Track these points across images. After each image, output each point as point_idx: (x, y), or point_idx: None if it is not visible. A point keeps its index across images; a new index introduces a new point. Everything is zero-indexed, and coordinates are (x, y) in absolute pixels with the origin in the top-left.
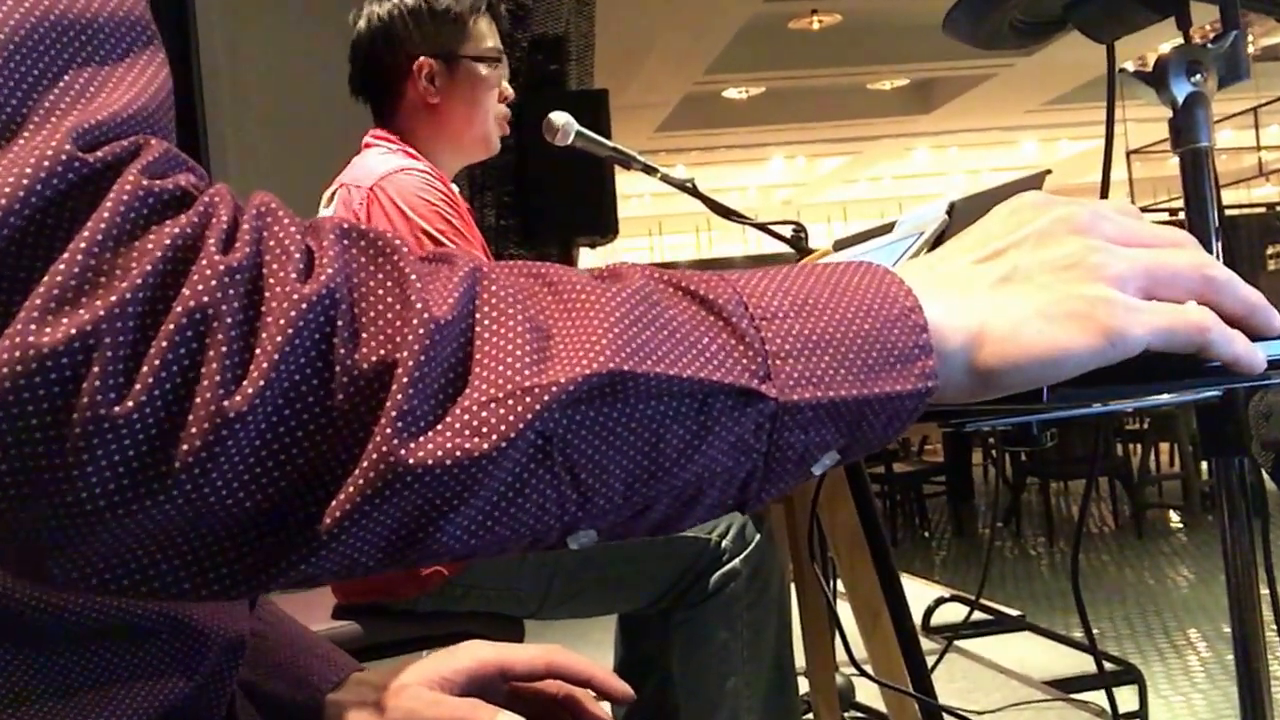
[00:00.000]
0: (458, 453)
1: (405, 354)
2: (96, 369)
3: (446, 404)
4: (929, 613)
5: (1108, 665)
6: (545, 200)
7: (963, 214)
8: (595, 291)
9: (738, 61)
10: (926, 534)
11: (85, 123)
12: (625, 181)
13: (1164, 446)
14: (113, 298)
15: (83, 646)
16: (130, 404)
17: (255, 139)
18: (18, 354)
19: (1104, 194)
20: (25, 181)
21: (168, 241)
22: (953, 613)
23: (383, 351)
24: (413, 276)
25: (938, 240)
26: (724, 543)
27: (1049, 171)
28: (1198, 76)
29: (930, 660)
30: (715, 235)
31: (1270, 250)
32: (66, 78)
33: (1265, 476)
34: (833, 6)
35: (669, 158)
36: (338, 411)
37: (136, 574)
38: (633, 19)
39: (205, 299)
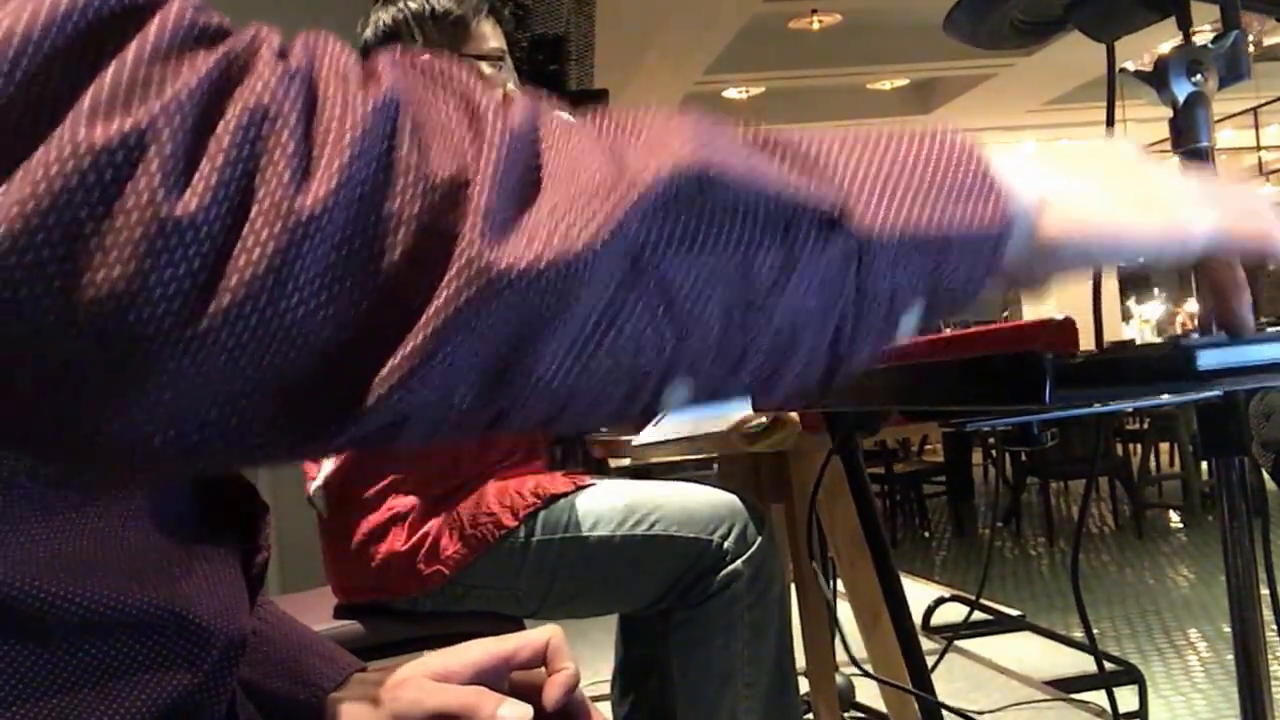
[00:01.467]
0: (552, 254)
1: (483, 160)
2: (155, 164)
3: (528, 209)
4: (929, 613)
5: (1108, 665)
6: None
7: None
8: (660, 117)
9: (738, 61)
10: (926, 534)
11: None
12: None
13: (1164, 446)
14: (167, 94)
15: (85, 641)
16: (193, 202)
17: None
18: (66, 150)
19: None
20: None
21: (221, 52)
22: (953, 613)
23: (457, 161)
24: (477, 92)
25: None
26: (726, 544)
27: None
28: (1198, 76)
29: (930, 660)
30: None
31: None
32: None
33: (1265, 476)
34: (833, 6)
35: None
36: (417, 220)
37: (208, 426)
38: (633, 19)
39: (265, 98)
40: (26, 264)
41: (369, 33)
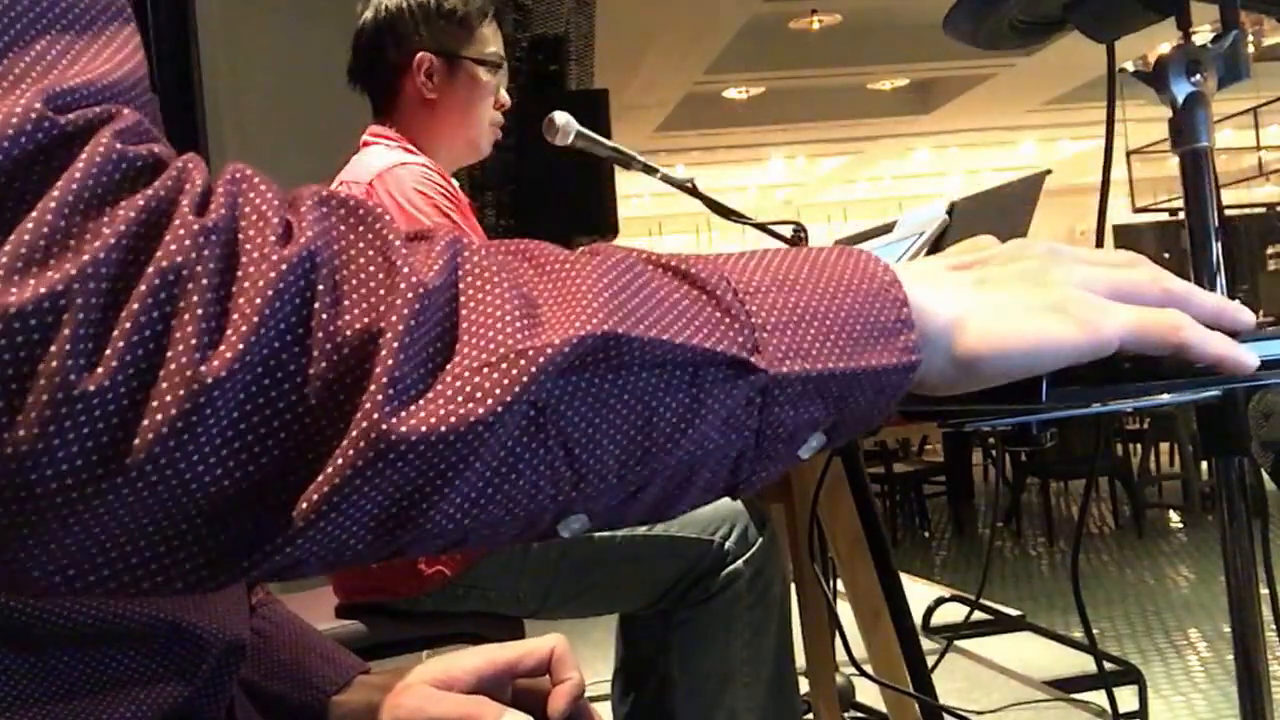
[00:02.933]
0: (452, 419)
1: (393, 319)
2: (67, 332)
3: (436, 371)
4: (929, 613)
5: (1108, 665)
6: (545, 200)
7: (963, 214)
8: (577, 263)
9: (738, 61)
10: (926, 534)
11: (57, 86)
12: (625, 181)
13: (1164, 446)
14: (84, 257)
15: (81, 650)
16: (101, 372)
17: (255, 138)
18: None
19: (1104, 193)
20: None
21: (141, 203)
22: (953, 613)
23: (367, 318)
24: (396, 243)
25: (938, 240)
26: (727, 544)
27: (1049, 171)
28: (1198, 76)
29: (930, 660)
30: (715, 235)
31: (1270, 250)
32: (40, 45)
33: (1265, 476)
34: (833, 6)
35: (669, 157)
36: (321, 381)
37: (110, 568)
38: (632, 19)
39: (179, 258)
40: None
41: (368, 14)
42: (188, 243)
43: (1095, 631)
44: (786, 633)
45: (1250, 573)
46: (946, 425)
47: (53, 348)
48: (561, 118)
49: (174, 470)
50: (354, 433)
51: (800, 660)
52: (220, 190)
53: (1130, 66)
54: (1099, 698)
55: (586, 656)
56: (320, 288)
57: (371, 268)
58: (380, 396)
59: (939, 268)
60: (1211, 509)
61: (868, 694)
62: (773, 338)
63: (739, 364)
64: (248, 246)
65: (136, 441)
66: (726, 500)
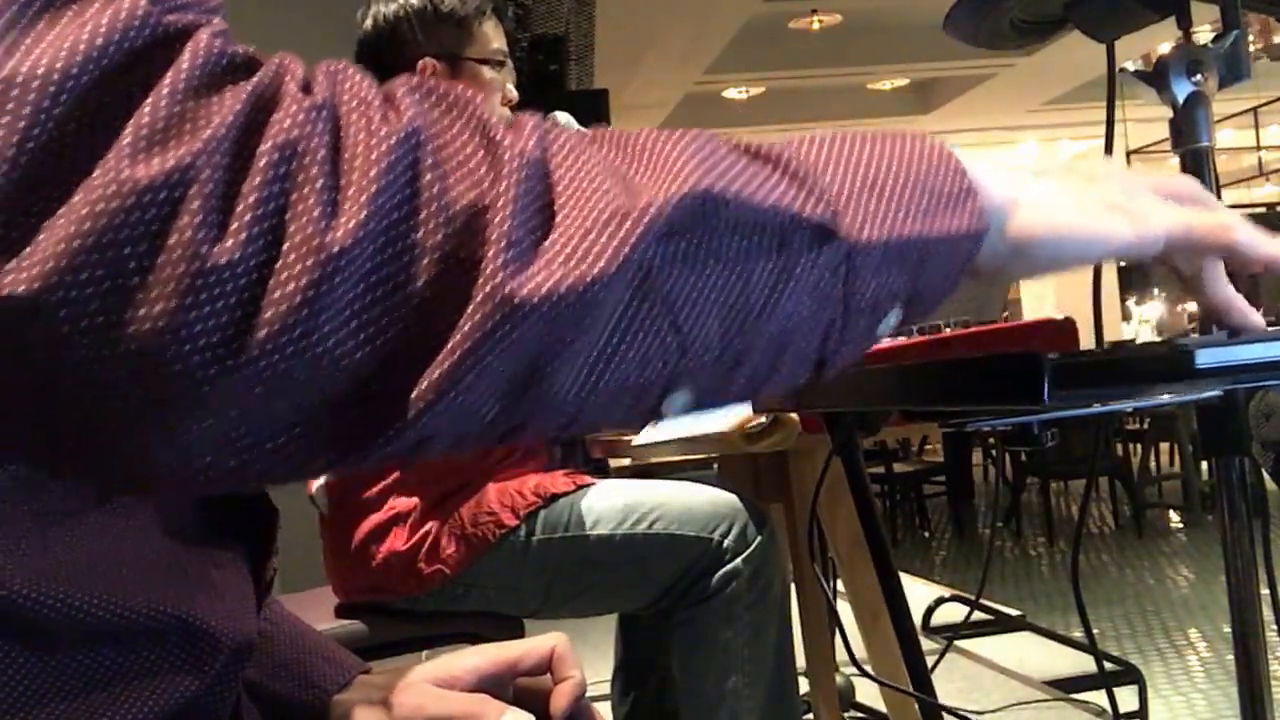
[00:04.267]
0: (570, 280)
1: (502, 187)
2: (196, 204)
3: (545, 236)
4: (929, 613)
5: (1108, 665)
6: None
7: None
8: (658, 140)
9: (738, 61)
10: (926, 534)
11: None
12: None
13: (1164, 447)
14: (204, 133)
15: (92, 648)
16: (230, 245)
17: None
18: (114, 188)
19: None
20: (104, 31)
21: (249, 87)
22: (953, 613)
23: (476, 190)
24: (491, 120)
25: None
26: (726, 542)
27: None
28: (1198, 76)
29: (930, 660)
30: None
31: None
32: None
33: (1265, 476)
34: (832, 6)
35: None
36: (440, 251)
37: (243, 454)
38: (632, 19)
39: (294, 133)
40: (71, 301)
41: (368, 24)
42: (301, 117)
43: (1095, 631)
44: (786, 632)
45: (1250, 573)
46: (947, 425)
47: (183, 219)
48: (563, 117)
49: (307, 343)
50: (477, 298)
51: (800, 660)
52: (320, 78)
53: (1130, 66)
54: (1099, 698)
55: (586, 656)
56: (428, 161)
57: (472, 145)
58: (499, 261)
59: (997, 160)
60: (1212, 509)
61: (868, 694)
62: (848, 208)
63: (822, 230)
64: (353, 127)
65: (269, 314)
66: (725, 498)
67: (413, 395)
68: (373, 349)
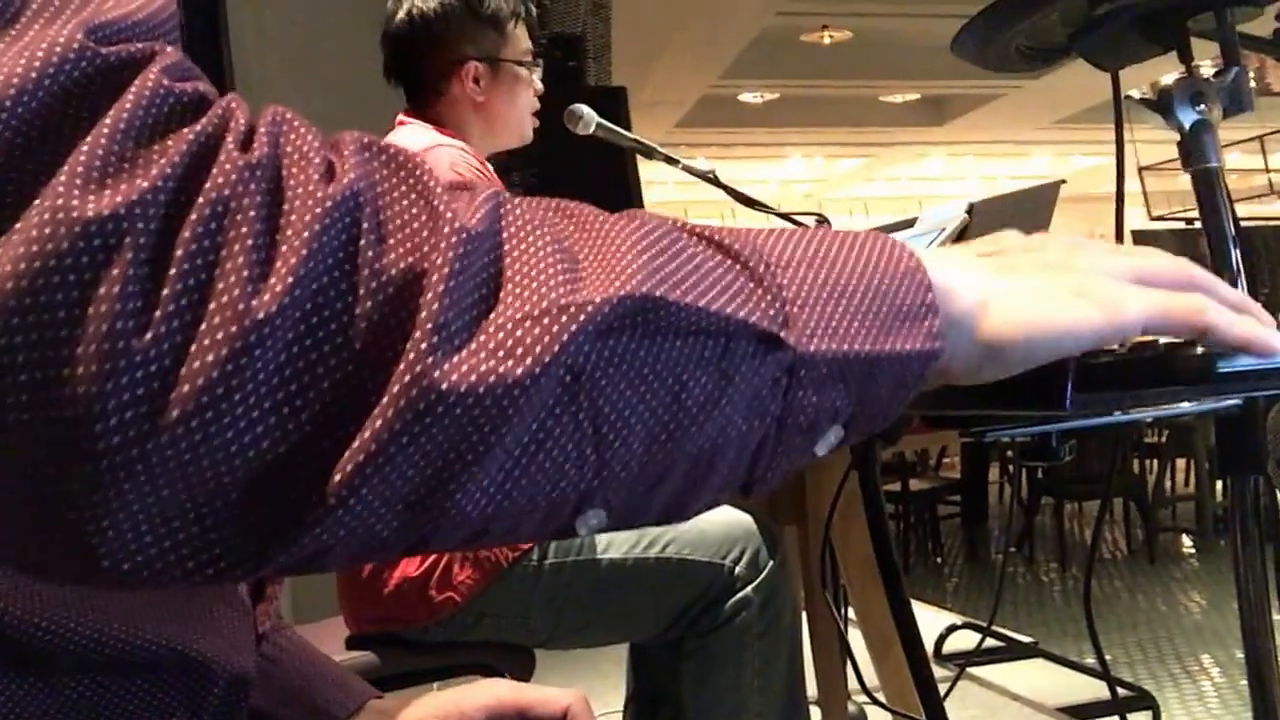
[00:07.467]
0: (493, 376)
1: (437, 260)
2: (129, 256)
3: (480, 320)
4: (941, 640)
5: (1121, 691)
6: (569, 185)
7: (982, 214)
8: (616, 224)
9: (751, 69)
10: (939, 559)
11: (96, 19)
12: (649, 169)
13: (1180, 464)
14: (141, 184)
15: (89, 677)
16: (157, 314)
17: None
18: (60, 216)
19: (1119, 211)
20: (38, 65)
21: (190, 137)
22: (965, 640)
23: (412, 258)
24: (437, 189)
25: (958, 239)
26: (737, 569)
27: (1064, 181)
28: (1202, 106)
29: (943, 688)
30: (740, 223)
31: None
32: None
33: None
34: (843, 23)
35: (688, 151)
36: (367, 323)
37: (161, 546)
38: (648, 24)
39: (227, 191)
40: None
41: (401, 14)
42: (234, 177)
43: (1108, 658)
44: (798, 662)
45: (1263, 598)
46: (968, 434)
47: (114, 271)
48: (583, 108)
49: (218, 426)
50: (397, 386)
51: (812, 688)
52: (262, 130)
53: (1136, 94)
54: None
55: (597, 687)
56: (365, 225)
57: (414, 210)
58: (425, 344)
59: (962, 254)
60: (1224, 532)
61: None
62: (802, 313)
63: (769, 338)
64: (292, 183)
65: (186, 388)
66: (739, 520)
67: (314, 498)
68: (283, 435)
